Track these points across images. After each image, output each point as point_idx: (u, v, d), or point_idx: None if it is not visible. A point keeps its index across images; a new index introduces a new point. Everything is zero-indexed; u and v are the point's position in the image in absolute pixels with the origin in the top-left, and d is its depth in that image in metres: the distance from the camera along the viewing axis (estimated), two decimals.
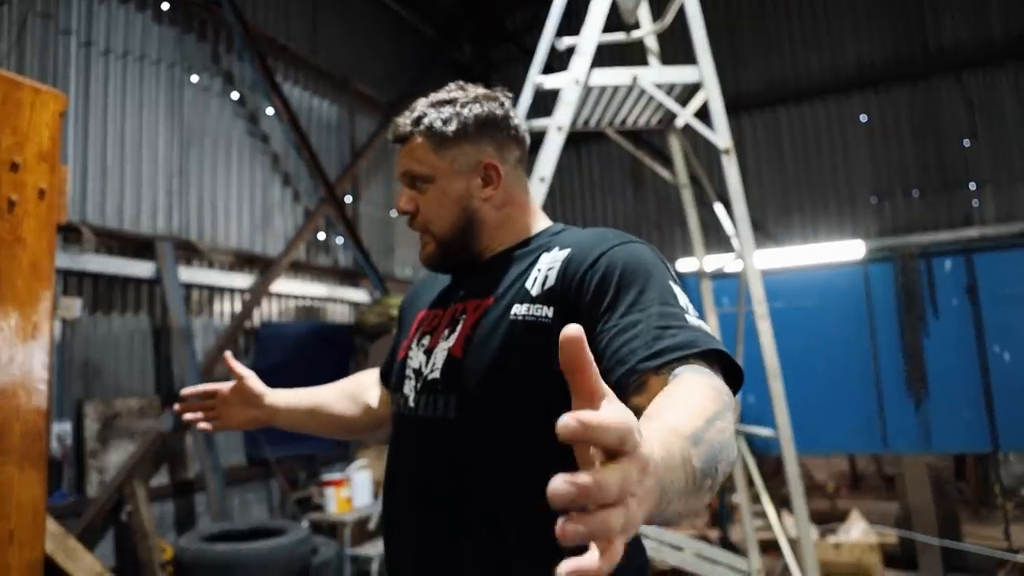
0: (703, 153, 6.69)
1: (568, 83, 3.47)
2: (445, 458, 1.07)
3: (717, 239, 5.92)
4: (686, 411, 0.70)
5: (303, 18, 7.05)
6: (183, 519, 5.19)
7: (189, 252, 5.57)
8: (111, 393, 4.86)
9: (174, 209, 5.53)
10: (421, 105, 1.19)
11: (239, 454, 5.81)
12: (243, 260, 6.06)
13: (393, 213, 7.75)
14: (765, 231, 8.43)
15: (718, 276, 4.65)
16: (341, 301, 7.16)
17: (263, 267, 6.21)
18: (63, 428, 4.40)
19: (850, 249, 7.06)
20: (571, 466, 0.91)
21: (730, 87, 8.63)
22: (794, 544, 3.73)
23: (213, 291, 5.82)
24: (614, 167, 9.43)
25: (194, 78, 5.78)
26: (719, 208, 3.95)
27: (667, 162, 4.52)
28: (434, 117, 1.15)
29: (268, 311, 6.33)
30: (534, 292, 1.05)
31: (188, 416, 1.47)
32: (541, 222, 1.25)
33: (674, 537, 4.09)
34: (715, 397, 0.76)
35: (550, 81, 3.57)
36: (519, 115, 1.24)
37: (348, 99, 7.64)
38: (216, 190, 5.93)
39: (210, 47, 5.97)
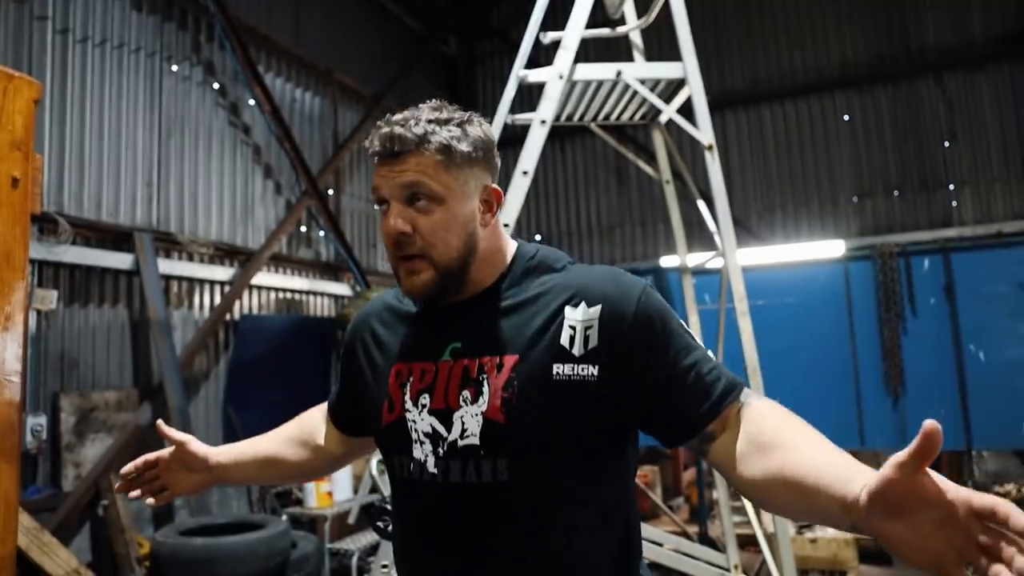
0: (687, 149, 6.70)
1: (552, 77, 3.45)
2: (501, 520, 1.07)
3: (700, 236, 5.94)
4: (817, 437, 0.92)
5: (286, 8, 6.98)
6: (160, 514, 5.13)
7: (168, 244, 5.50)
8: (88, 386, 4.80)
9: (153, 200, 5.46)
10: (423, 120, 1.10)
11: None
12: (223, 252, 6.00)
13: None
14: (748, 229, 8.49)
15: (700, 272, 4.67)
16: (322, 294, 7.12)
17: (244, 259, 6.15)
18: (38, 421, 4.34)
19: (831, 248, 7.13)
20: (616, 494, 1.12)
21: (715, 84, 8.67)
22: (771, 540, 3.76)
23: (193, 283, 5.76)
24: (598, 162, 9.45)
25: (174, 67, 5.70)
26: (702, 205, 3.97)
27: (651, 158, 4.53)
28: (447, 135, 1.09)
29: (249, 304, 6.28)
30: (576, 352, 1.06)
31: (132, 494, 1.40)
32: (510, 242, 1.21)
33: (654, 533, 4.12)
34: (806, 426, 0.97)
35: (534, 75, 3.56)
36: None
37: (331, 91, 7.58)
38: (196, 181, 5.87)
39: (190, 36, 5.90)
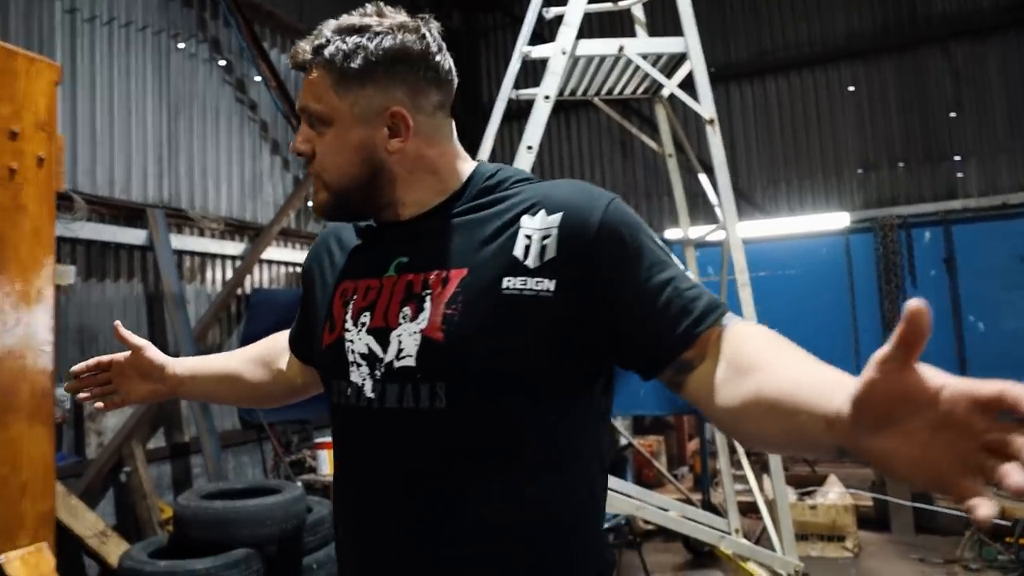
0: (692, 122, 6.72)
1: (555, 53, 3.51)
2: (438, 451, 0.96)
3: (705, 209, 6.00)
4: (801, 354, 0.80)
5: None
6: (180, 480, 5.31)
7: (180, 220, 5.60)
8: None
9: (164, 176, 5.55)
10: (327, 29, 1.01)
11: (233, 418, 5.92)
12: (234, 227, 6.10)
13: None
14: (752, 202, 8.52)
15: (703, 245, 4.75)
16: None
17: (254, 235, 6.25)
18: (61, 392, 4.48)
19: (835, 220, 7.17)
20: (577, 443, 1.00)
21: (720, 57, 8.66)
22: (771, 506, 3.89)
23: (205, 258, 5.87)
24: (603, 135, 9.46)
25: (180, 45, 5.75)
26: (704, 178, 4.03)
27: (655, 131, 4.58)
28: (338, 47, 0.98)
29: (259, 278, 6.40)
30: (530, 264, 0.94)
31: (81, 395, 1.32)
32: (466, 163, 1.09)
33: (660, 499, 4.25)
34: (794, 346, 0.84)
35: (537, 51, 3.61)
36: (442, 50, 1.05)
37: None
38: (206, 157, 5.95)
39: (195, 13, 5.93)
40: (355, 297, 1.06)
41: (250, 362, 1.38)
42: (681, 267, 0.96)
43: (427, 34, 1.02)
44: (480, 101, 9.72)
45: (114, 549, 4.02)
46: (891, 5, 8.19)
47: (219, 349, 5.90)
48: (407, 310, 0.98)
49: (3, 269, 2.12)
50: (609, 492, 3.44)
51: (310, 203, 7.02)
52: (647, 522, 4.77)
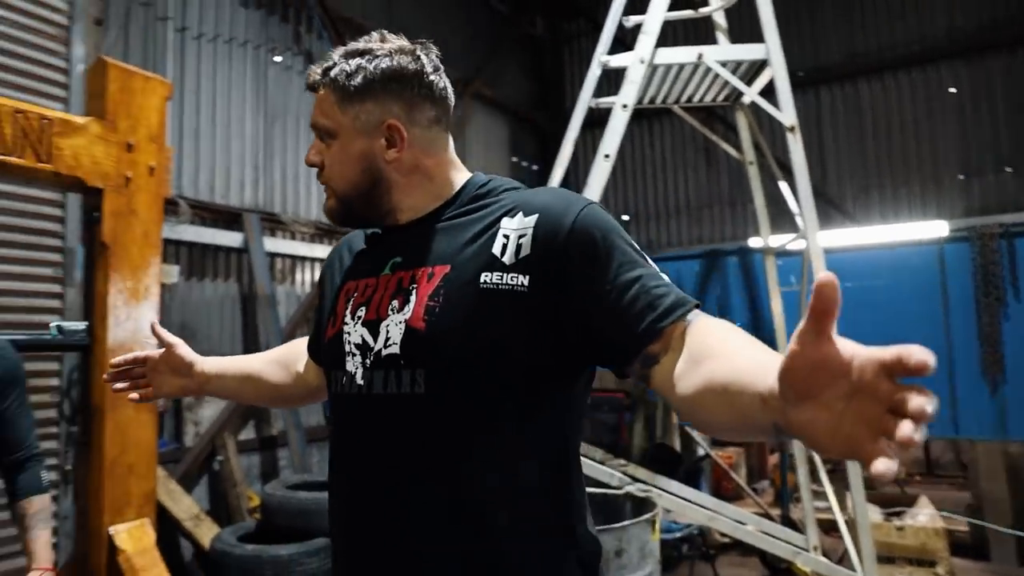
0: (777, 128, 6.56)
1: (633, 62, 3.53)
2: (416, 436, 1.02)
3: (789, 216, 5.86)
4: (753, 345, 0.83)
5: None
6: (267, 471, 5.59)
7: (273, 223, 5.91)
8: (204, 353, 5.25)
9: (259, 183, 5.87)
10: (336, 53, 1.14)
11: (318, 415, 6.18)
12: (323, 231, 6.38)
13: None
14: (843, 210, 8.21)
15: (785, 254, 4.63)
16: None
17: (341, 238, 6.51)
18: None
19: (931, 229, 6.82)
20: (551, 433, 1.05)
21: (808, 60, 8.40)
22: (851, 524, 3.75)
23: (295, 260, 6.16)
24: (687, 142, 9.33)
25: (277, 58, 6.08)
26: (784, 186, 3.95)
27: (738, 137, 4.51)
28: (341, 69, 1.10)
29: None
30: (506, 260, 1.02)
31: (118, 385, 1.40)
32: (460, 174, 1.19)
33: (736, 512, 4.18)
34: (747, 337, 0.87)
35: (616, 60, 3.64)
36: (438, 71, 1.16)
37: None
38: (298, 165, 6.25)
39: (292, 28, 6.25)
40: (355, 294, 1.16)
41: (272, 364, 1.46)
42: (655, 268, 1.00)
43: (422, 56, 1.13)
44: (563, 107, 9.78)
45: (206, 532, 4.28)
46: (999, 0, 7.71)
47: None
48: (395, 303, 1.07)
49: (116, 268, 2.31)
50: (681, 501, 3.43)
51: None
52: (723, 535, 4.69)
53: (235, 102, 5.68)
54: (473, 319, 1.00)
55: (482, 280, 1.01)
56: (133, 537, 2.25)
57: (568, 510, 1.07)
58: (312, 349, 1.38)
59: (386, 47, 1.11)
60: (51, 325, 2.25)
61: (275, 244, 5.88)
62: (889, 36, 8.21)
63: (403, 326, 1.04)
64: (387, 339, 1.06)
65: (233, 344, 5.52)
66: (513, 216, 1.05)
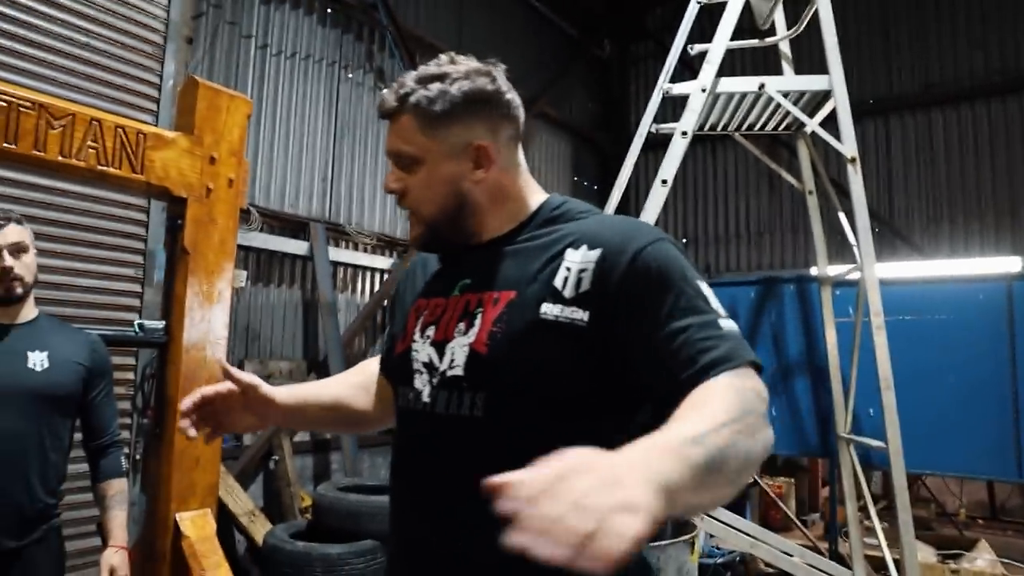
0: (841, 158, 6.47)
1: (695, 91, 3.58)
2: (473, 457, 1.03)
3: (850, 247, 5.76)
4: (698, 417, 0.81)
5: (450, 17, 7.48)
6: (320, 473, 5.77)
7: (337, 234, 6.14)
8: (266, 355, 5.50)
9: (327, 194, 6.12)
10: (409, 80, 1.11)
11: None
12: (384, 243, 6.59)
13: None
14: (910, 242, 7.99)
15: (843, 284, 4.56)
16: None
17: (402, 250, 6.71)
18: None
19: (1003, 265, 6.58)
20: None
21: (881, 88, 8.25)
22: (899, 565, 3.66)
23: (357, 270, 6.38)
24: (749, 167, 9.24)
25: (349, 75, 6.34)
26: (842, 217, 3.91)
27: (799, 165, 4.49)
28: (422, 95, 1.08)
29: None
30: (567, 294, 1.02)
31: (190, 434, 1.27)
32: (536, 195, 1.19)
33: (781, 542, 4.13)
34: (735, 403, 0.84)
35: (678, 88, 3.69)
36: (512, 89, 1.15)
37: None
38: (364, 178, 6.48)
39: (365, 46, 6.52)
40: (425, 313, 1.18)
41: (355, 388, 1.41)
42: (713, 314, 0.97)
43: (497, 76, 1.13)
44: (627, 129, 9.82)
45: (260, 528, 4.46)
46: None
47: (363, 356, 6.36)
48: (462, 325, 1.09)
49: (194, 272, 2.49)
50: (723, 526, 3.43)
51: None
52: (767, 564, 4.62)
53: (308, 116, 5.95)
54: (532, 348, 1.01)
55: (543, 311, 1.02)
56: (196, 525, 2.40)
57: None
58: (385, 365, 1.37)
59: (460, 69, 1.11)
60: (134, 323, 2.44)
61: (338, 254, 6.11)
62: (968, 66, 7.99)
63: (467, 349, 1.06)
64: (452, 361, 1.07)
65: (294, 346, 5.74)
66: (578, 248, 1.05)
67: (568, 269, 1.04)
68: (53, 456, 2.05)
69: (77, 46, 3.43)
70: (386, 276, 6.55)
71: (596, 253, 1.03)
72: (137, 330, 2.46)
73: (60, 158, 2.11)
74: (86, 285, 3.56)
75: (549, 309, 1.02)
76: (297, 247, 5.72)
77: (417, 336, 1.16)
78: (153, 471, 2.51)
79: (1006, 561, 4.75)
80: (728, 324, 0.97)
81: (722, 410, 0.83)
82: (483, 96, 1.11)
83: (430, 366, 1.11)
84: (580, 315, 1.00)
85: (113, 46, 3.55)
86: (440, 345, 1.10)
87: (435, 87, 1.08)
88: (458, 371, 1.06)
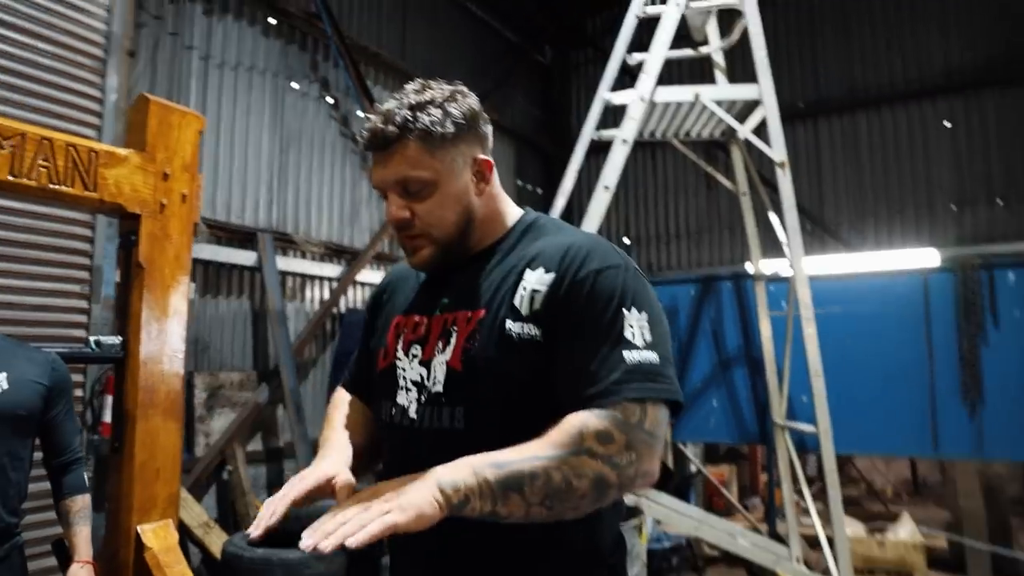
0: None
1: (634, 100, 3.75)
2: None
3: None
4: (523, 446, 0.98)
5: (394, 26, 7.54)
6: (273, 480, 5.76)
7: (285, 243, 6.14)
8: (216, 367, 5.47)
9: (274, 204, 6.11)
10: (403, 109, 1.13)
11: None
12: (332, 251, 6.60)
13: None
14: (839, 237, 8.41)
15: (776, 280, 4.83)
16: None
17: (350, 258, 6.73)
18: None
19: (923, 257, 7.02)
20: None
21: (809, 92, 8.66)
22: (831, 540, 3.92)
23: (305, 279, 6.38)
24: (689, 169, 9.53)
25: (294, 85, 6.34)
26: (773, 217, 4.15)
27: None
28: (426, 120, 1.12)
29: (353, 298, 6.86)
30: (523, 312, 1.10)
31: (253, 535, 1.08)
32: (512, 208, 1.27)
33: (724, 525, 4.35)
34: (568, 442, 0.97)
35: (618, 98, 3.87)
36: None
37: None
38: (311, 187, 6.49)
39: (309, 56, 6.52)
40: (406, 331, 1.23)
41: (363, 427, 1.36)
42: (630, 344, 1.04)
43: (471, 94, 1.21)
44: (569, 133, 10.03)
45: (215, 539, 4.45)
46: (996, 40, 7.94)
47: (313, 364, 6.38)
48: (440, 344, 1.16)
49: (149, 287, 2.54)
50: (668, 511, 3.61)
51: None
52: (712, 547, 4.85)
53: (253, 127, 5.93)
54: (501, 362, 1.09)
55: (507, 327, 1.10)
56: (158, 536, 2.44)
57: (598, 534, 1.16)
58: (359, 381, 1.41)
59: (443, 92, 1.16)
60: (89, 339, 2.48)
61: (287, 263, 6.10)
62: (887, 71, 8.46)
63: (444, 367, 1.13)
64: (434, 378, 1.14)
65: (244, 357, 5.72)
66: (535, 270, 1.13)
67: (524, 288, 1.12)
68: (14, 475, 2.07)
69: (17, 61, 3.39)
70: (334, 284, 6.57)
71: (550, 276, 1.11)
72: (93, 346, 2.48)
73: (11, 178, 2.13)
74: (31, 303, 3.52)
75: (511, 326, 1.10)
76: (245, 258, 5.70)
77: (401, 354, 1.21)
78: (113, 484, 2.53)
79: (925, 531, 5.12)
80: (640, 356, 1.04)
81: (549, 445, 0.98)
82: (475, 115, 1.18)
83: (419, 384, 1.17)
84: (535, 331, 1.09)
85: (54, 61, 3.53)
86: (427, 364, 1.17)
87: (435, 111, 1.13)
88: (439, 387, 1.13)
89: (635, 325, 1.06)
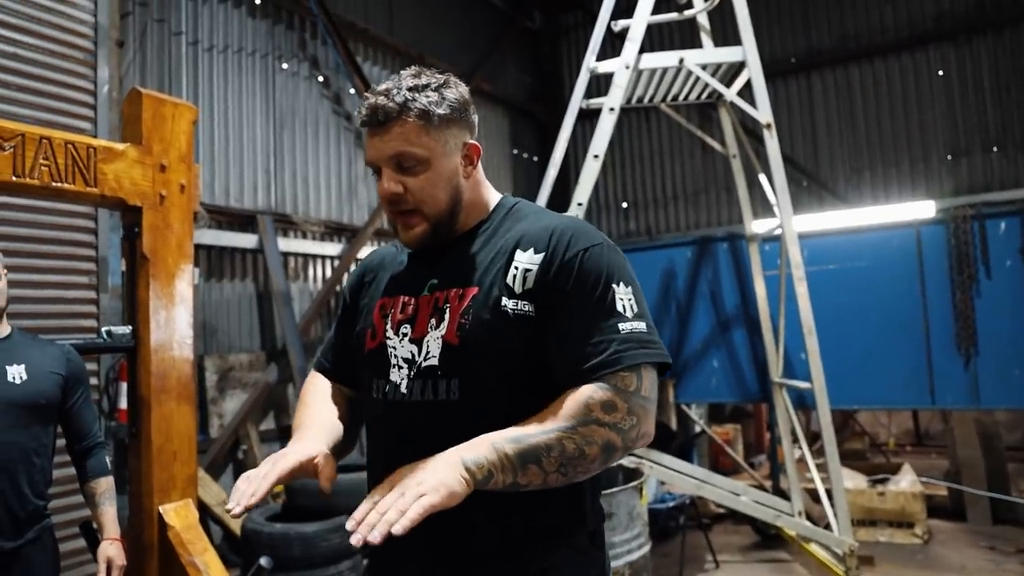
0: None
1: (619, 68, 3.78)
2: (451, 437, 1.10)
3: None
4: (535, 420, 1.08)
5: (380, 1, 7.49)
6: None
7: (286, 224, 6.20)
8: (225, 349, 5.58)
9: (271, 185, 6.16)
10: (403, 90, 1.20)
11: None
12: (332, 230, 6.66)
13: None
14: (835, 193, 8.43)
15: (770, 239, 4.88)
16: None
17: (350, 235, 6.80)
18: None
19: (919, 209, 7.04)
20: None
21: (800, 47, 8.60)
22: (830, 493, 4.03)
23: (307, 258, 6.45)
24: (681, 131, 9.47)
25: (284, 65, 6.34)
26: (763, 178, 4.19)
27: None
28: (424, 100, 1.19)
29: None
30: (517, 290, 1.18)
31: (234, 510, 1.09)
32: (492, 193, 1.35)
33: (729, 483, 4.48)
34: (577, 413, 1.07)
35: (603, 66, 3.89)
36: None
37: None
38: (307, 166, 6.53)
39: (297, 35, 6.51)
40: (393, 311, 1.29)
41: (344, 408, 1.41)
42: (622, 316, 1.14)
43: (462, 84, 1.29)
44: (561, 98, 9.96)
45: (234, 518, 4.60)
46: None
47: (320, 342, 6.48)
48: (433, 321, 1.22)
49: (155, 277, 2.62)
50: (669, 471, 3.73)
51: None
52: (718, 505, 4.98)
53: (245, 109, 5.95)
54: (497, 336, 1.16)
55: (502, 304, 1.17)
56: (179, 515, 2.56)
57: (580, 498, 1.24)
58: (340, 365, 1.45)
59: (438, 78, 1.24)
60: (101, 330, 2.56)
61: (288, 244, 6.17)
62: (879, 21, 8.38)
63: (440, 341, 1.19)
64: (427, 353, 1.20)
65: (252, 338, 5.83)
66: (525, 250, 1.21)
67: (516, 268, 1.20)
68: (38, 461, 2.18)
69: (8, 58, 3.42)
70: (336, 262, 6.64)
71: (540, 256, 1.19)
72: (106, 337, 2.57)
73: (14, 178, 2.20)
74: (42, 296, 3.60)
75: (506, 302, 1.18)
76: (247, 240, 5.77)
77: (391, 333, 1.27)
78: (134, 468, 2.64)
79: (925, 480, 5.25)
80: (633, 326, 1.15)
81: (561, 416, 1.08)
82: (466, 102, 1.27)
83: (410, 361, 1.23)
84: (528, 307, 1.17)
85: (45, 56, 3.55)
86: (418, 341, 1.23)
87: (432, 94, 1.21)
88: (433, 361, 1.19)
89: (624, 298, 1.16)
